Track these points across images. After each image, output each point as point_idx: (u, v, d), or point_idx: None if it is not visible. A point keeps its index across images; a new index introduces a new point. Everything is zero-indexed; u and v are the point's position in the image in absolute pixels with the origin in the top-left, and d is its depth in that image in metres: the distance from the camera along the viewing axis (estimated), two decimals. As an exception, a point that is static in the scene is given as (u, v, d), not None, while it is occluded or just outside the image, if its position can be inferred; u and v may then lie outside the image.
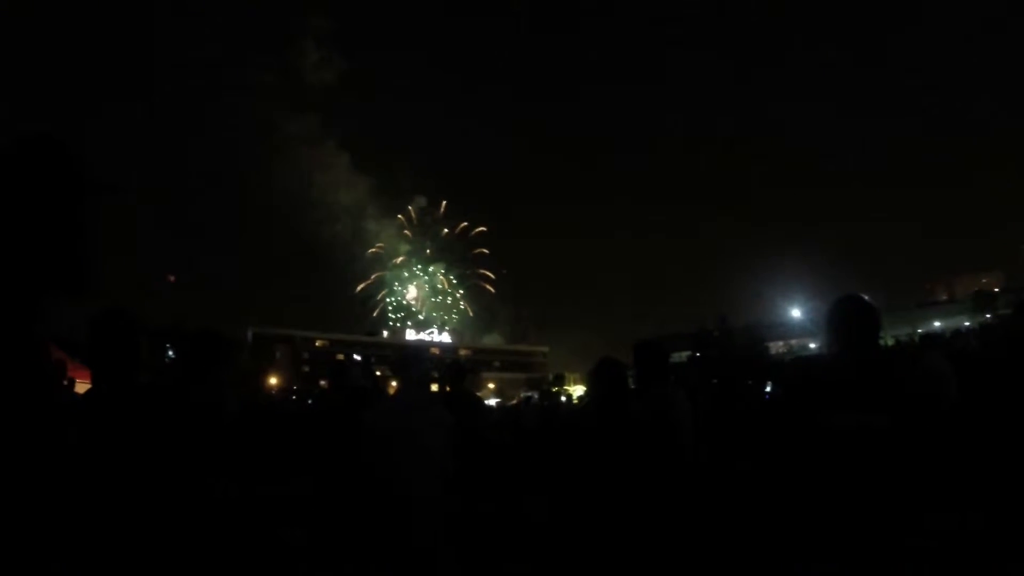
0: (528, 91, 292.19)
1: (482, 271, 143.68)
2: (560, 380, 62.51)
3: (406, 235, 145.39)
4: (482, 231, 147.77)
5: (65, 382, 5.74)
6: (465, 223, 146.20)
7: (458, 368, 6.37)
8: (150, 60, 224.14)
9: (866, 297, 3.07)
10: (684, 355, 49.11)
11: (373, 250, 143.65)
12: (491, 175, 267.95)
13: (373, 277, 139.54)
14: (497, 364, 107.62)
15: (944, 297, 79.96)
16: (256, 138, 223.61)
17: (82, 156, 1.29)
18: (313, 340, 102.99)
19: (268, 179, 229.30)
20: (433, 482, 3.82)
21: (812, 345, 55.68)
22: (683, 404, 4.08)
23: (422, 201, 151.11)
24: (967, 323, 49.12)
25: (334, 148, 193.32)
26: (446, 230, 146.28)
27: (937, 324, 59.34)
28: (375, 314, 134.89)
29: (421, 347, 5.03)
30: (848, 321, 2.97)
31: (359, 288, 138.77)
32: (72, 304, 1.31)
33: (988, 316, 48.18)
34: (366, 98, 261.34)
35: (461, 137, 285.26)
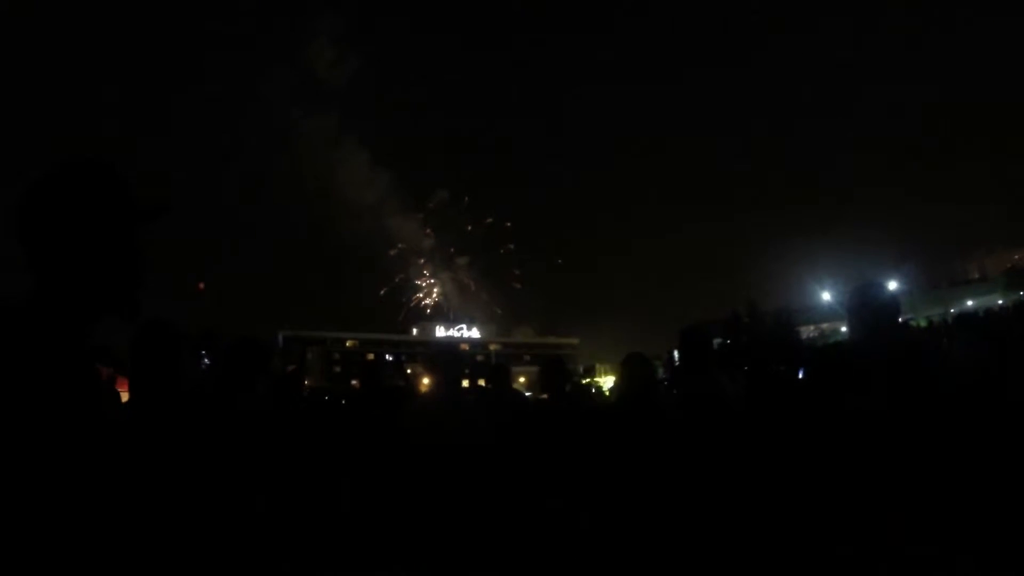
0: (551, 80, 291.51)
1: (508, 265, 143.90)
2: (590, 372, 62.41)
3: (429, 231, 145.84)
4: (508, 225, 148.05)
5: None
6: (490, 219, 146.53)
7: (501, 369, 6.41)
8: (164, 66, 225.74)
9: (882, 283, 3.10)
10: (715, 342, 48.78)
11: (393, 252, 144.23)
12: (513, 166, 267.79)
13: (398, 279, 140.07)
14: (527, 358, 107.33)
15: (977, 275, 78.51)
16: (275, 139, 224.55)
17: (129, 179, 1.33)
18: (343, 340, 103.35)
19: (289, 180, 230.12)
20: (472, 480, 3.86)
21: (843, 329, 54.98)
22: (731, 388, 4.08)
23: (444, 195, 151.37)
24: (1000, 301, 48.25)
25: (354, 145, 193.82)
26: (470, 226, 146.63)
27: (970, 303, 58.36)
28: (405, 312, 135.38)
29: (456, 347, 5.03)
30: (865, 308, 3.00)
31: (382, 292, 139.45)
32: (124, 322, 1.35)
33: (1022, 293, 47.38)
34: (384, 94, 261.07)
35: (482, 129, 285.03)
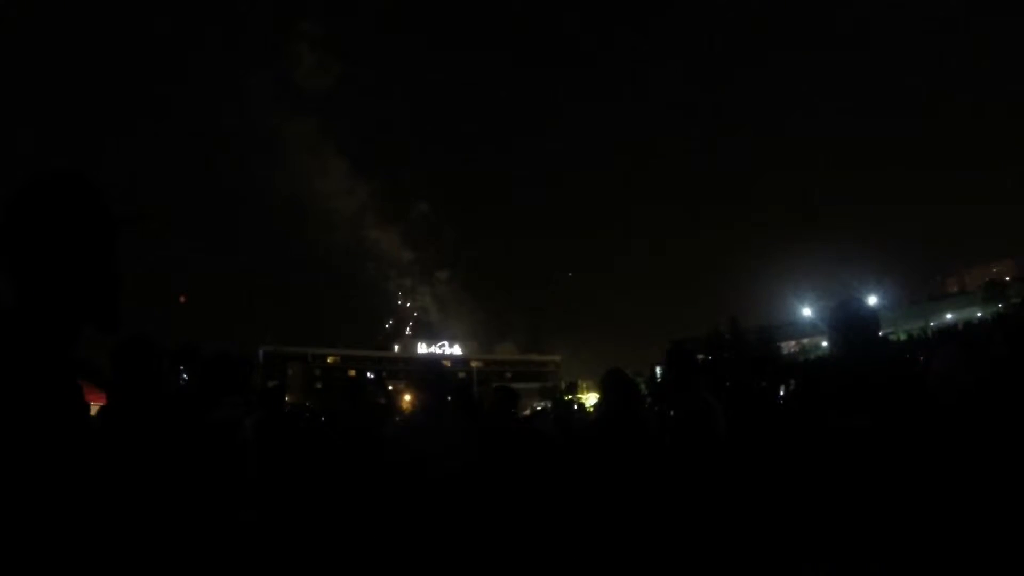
0: (530, 89, 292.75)
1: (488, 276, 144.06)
2: (573, 388, 62.28)
3: (409, 243, 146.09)
4: (488, 236, 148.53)
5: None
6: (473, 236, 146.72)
7: (464, 388, 6.42)
8: (139, 70, 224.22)
9: (862, 299, 3.13)
10: (697, 358, 48.99)
11: (372, 265, 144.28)
12: (493, 177, 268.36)
13: (376, 295, 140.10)
14: (509, 375, 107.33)
15: (955, 289, 79.40)
16: (253, 147, 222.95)
17: (105, 190, 1.32)
18: (325, 357, 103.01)
19: (268, 189, 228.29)
20: (449, 497, 3.88)
21: (824, 344, 55.39)
22: (714, 404, 4.09)
23: (425, 207, 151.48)
24: (979, 314, 48.81)
25: (333, 155, 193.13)
26: (450, 237, 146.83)
27: (949, 316, 59.07)
28: (386, 329, 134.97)
29: (442, 367, 5.04)
30: (846, 325, 3.03)
31: (364, 307, 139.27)
32: (104, 337, 1.34)
33: (1000, 306, 47.93)
34: (363, 102, 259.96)
35: (464, 140, 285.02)
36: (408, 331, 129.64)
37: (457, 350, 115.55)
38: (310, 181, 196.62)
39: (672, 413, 4.26)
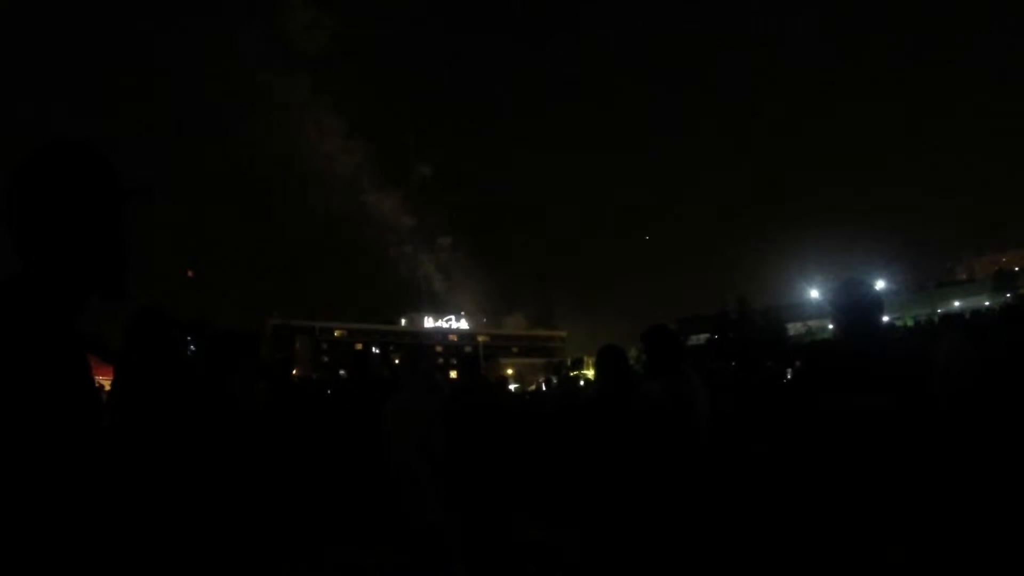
0: (533, 47, 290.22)
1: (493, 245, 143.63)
2: (579, 364, 62.39)
3: (411, 207, 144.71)
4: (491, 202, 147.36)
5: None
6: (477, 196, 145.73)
7: (470, 361, 6.54)
8: (130, 28, 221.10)
9: (866, 281, 3.12)
10: (703, 338, 49.11)
11: (371, 231, 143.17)
12: (498, 139, 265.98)
13: (377, 264, 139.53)
14: (515, 350, 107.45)
15: (964, 277, 79.05)
16: (246, 108, 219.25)
17: (111, 159, 1.31)
18: (332, 330, 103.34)
19: (264, 153, 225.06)
20: (421, 463, 4.16)
21: (831, 326, 55.15)
22: (697, 386, 4.08)
23: (426, 170, 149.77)
24: (987, 303, 48.67)
25: (329, 116, 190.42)
26: (452, 202, 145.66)
27: (957, 304, 58.82)
28: (394, 301, 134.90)
29: (425, 344, 5.30)
30: (847, 305, 3.03)
31: (371, 279, 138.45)
32: (111, 306, 1.34)
33: (1008, 296, 47.73)
34: (361, 61, 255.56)
35: (466, 99, 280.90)
36: (416, 304, 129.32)
37: (464, 324, 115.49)
38: (307, 144, 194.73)
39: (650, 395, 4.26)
